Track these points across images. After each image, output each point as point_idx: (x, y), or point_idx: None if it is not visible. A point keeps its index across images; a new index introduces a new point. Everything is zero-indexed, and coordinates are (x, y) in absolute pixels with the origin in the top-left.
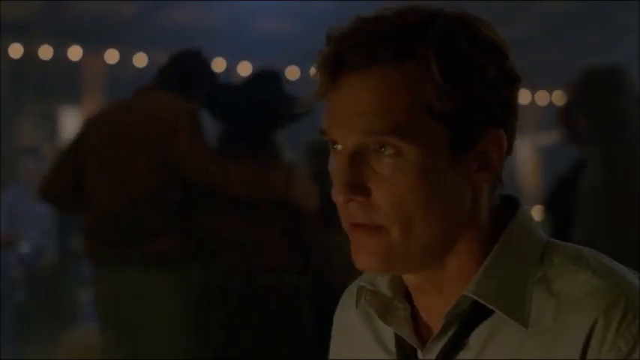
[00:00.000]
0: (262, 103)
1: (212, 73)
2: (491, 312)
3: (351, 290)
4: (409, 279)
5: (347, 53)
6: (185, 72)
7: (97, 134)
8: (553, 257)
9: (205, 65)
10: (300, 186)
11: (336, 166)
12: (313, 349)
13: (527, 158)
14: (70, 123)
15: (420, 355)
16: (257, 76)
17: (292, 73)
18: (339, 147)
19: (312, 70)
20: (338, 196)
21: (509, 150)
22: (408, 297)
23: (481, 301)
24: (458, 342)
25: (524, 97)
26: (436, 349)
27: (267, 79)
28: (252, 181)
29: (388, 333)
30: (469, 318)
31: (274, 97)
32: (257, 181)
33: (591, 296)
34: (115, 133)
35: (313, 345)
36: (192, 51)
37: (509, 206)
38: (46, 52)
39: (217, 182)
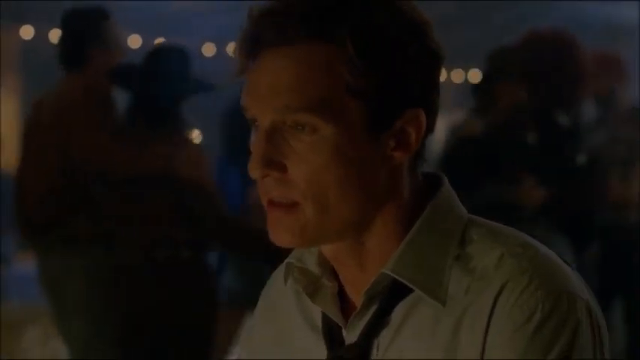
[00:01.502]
0: (163, 78)
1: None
2: (411, 289)
3: (282, 267)
4: (328, 251)
5: (266, 30)
6: (83, 48)
7: (26, 121)
8: (473, 235)
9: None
10: (191, 159)
11: (254, 142)
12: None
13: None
14: None
15: (344, 331)
16: (158, 51)
17: (209, 49)
18: (258, 124)
19: (230, 48)
20: (254, 171)
21: (431, 128)
22: (336, 274)
23: (399, 279)
24: (379, 319)
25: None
26: (359, 326)
27: (169, 54)
28: (132, 157)
29: (316, 311)
30: (390, 295)
31: (176, 73)
32: (137, 158)
33: (502, 269)
34: (35, 120)
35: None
36: (85, 24)
37: (432, 184)
38: None
39: (100, 162)
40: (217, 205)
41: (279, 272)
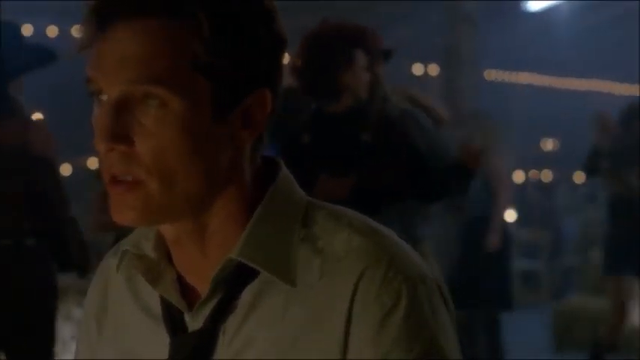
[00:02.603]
0: None
1: None
2: (258, 273)
3: (109, 259)
4: (169, 234)
5: (116, 4)
6: None
7: None
8: (316, 216)
9: None
10: (37, 138)
11: (99, 115)
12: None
13: None
14: None
15: (187, 318)
16: None
17: (52, 31)
18: (104, 96)
19: (76, 27)
20: (99, 145)
21: (274, 110)
22: (173, 261)
23: (247, 263)
24: (225, 305)
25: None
26: (204, 313)
27: None
28: None
29: (153, 297)
30: (236, 281)
31: (6, 50)
32: None
33: (355, 253)
34: None
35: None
36: None
37: (270, 167)
38: None
39: None
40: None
41: (108, 261)
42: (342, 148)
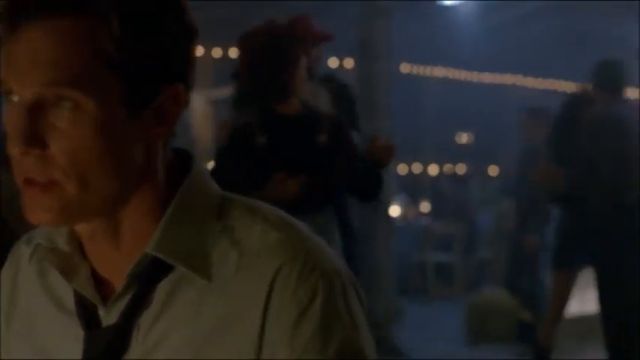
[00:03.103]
0: None
1: None
2: (174, 268)
3: (20, 248)
4: (84, 230)
5: (27, 3)
6: None
7: None
8: (231, 211)
9: None
10: None
11: (11, 118)
12: None
13: (202, 111)
14: None
15: (101, 313)
16: None
17: None
18: (16, 98)
19: None
20: (13, 149)
21: (186, 103)
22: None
23: (162, 257)
24: (140, 300)
25: (199, 51)
26: (119, 308)
27: None
28: None
29: (66, 291)
30: (151, 276)
31: None
32: None
33: (271, 248)
34: None
35: None
36: None
37: (182, 160)
38: None
39: None
40: None
41: (20, 249)
42: (299, 150)
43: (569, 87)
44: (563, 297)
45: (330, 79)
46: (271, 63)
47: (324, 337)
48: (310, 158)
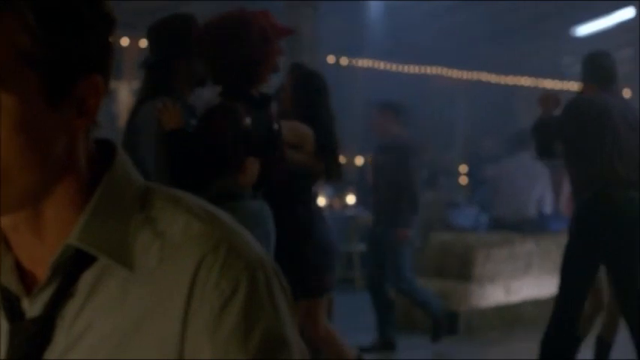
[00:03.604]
0: None
1: None
2: (97, 259)
3: None
4: (6, 221)
5: None
6: None
7: None
8: (154, 200)
9: None
10: None
11: None
12: None
13: (128, 102)
14: None
15: (25, 304)
16: None
17: None
18: None
19: None
20: None
21: (106, 93)
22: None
23: (84, 248)
24: (64, 292)
25: (125, 42)
26: (43, 299)
27: None
28: None
29: None
30: (74, 267)
31: None
32: None
33: (194, 238)
34: None
35: None
36: None
37: (105, 150)
38: None
39: None
40: None
41: None
42: (263, 135)
43: (493, 78)
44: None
45: (296, 67)
46: (245, 53)
47: (247, 327)
48: (269, 144)
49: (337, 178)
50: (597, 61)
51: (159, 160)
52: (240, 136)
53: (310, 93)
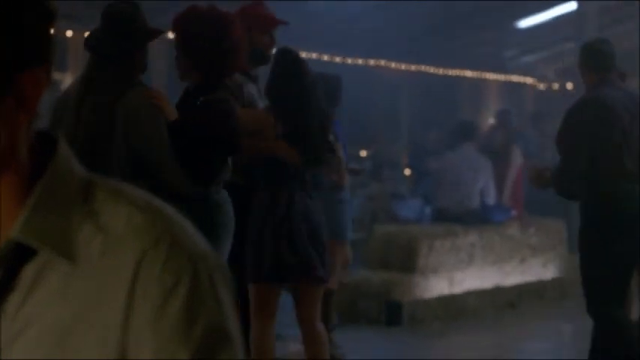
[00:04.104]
0: None
1: None
2: (39, 252)
3: None
4: None
5: None
6: None
7: None
8: (97, 193)
9: None
10: None
11: None
12: None
13: None
14: None
15: None
16: None
17: None
18: None
19: None
20: None
21: (47, 85)
22: None
23: (25, 242)
24: (5, 285)
25: (69, 34)
26: None
27: None
28: None
29: None
30: (16, 260)
31: None
32: None
33: (136, 231)
34: None
35: None
36: None
37: (45, 143)
38: None
39: None
40: None
41: None
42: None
43: (436, 70)
44: None
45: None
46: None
47: (189, 321)
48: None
49: (315, 164)
50: (596, 47)
51: (167, 150)
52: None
53: (279, 77)
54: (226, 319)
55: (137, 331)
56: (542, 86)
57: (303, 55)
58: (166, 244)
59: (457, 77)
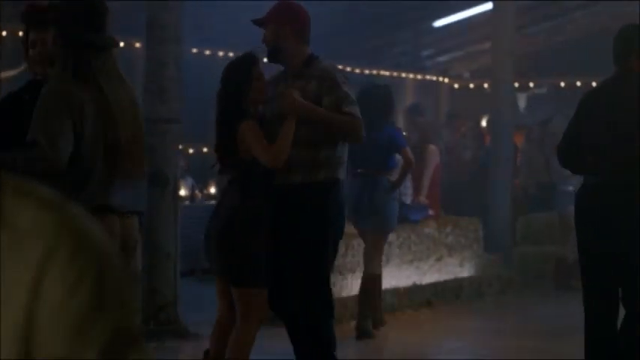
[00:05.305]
0: None
1: None
2: None
3: None
4: None
5: None
6: None
7: None
8: (4, 190)
9: None
10: None
11: None
12: None
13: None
14: None
15: None
16: None
17: None
18: None
19: None
20: None
21: None
22: None
23: None
24: None
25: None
26: None
27: None
28: None
29: None
30: None
31: None
32: None
33: (41, 228)
34: None
35: None
36: None
37: None
38: None
39: None
40: None
41: None
42: None
43: (353, 69)
44: None
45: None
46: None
47: (92, 317)
48: None
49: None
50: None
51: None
52: None
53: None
54: (128, 315)
55: (41, 331)
56: (457, 85)
57: (219, 53)
58: (71, 242)
59: (373, 75)
